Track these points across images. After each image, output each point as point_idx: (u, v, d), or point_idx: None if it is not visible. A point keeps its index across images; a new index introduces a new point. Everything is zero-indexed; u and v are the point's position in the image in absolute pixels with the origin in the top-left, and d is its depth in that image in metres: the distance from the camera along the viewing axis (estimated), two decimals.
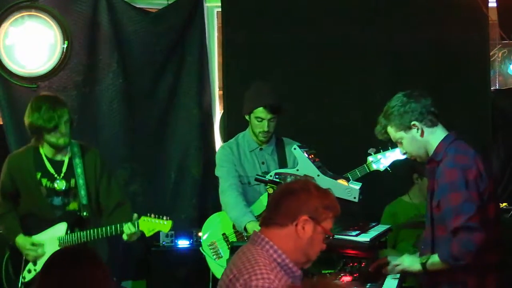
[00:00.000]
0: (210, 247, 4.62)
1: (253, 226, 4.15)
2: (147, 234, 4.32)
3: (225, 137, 5.88)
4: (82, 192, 4.40)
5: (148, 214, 4.30)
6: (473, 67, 5.77)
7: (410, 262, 3.48)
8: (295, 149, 3.61)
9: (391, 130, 3.49)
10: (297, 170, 3.46)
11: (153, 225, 4.28)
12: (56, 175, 4.42)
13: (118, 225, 4.28)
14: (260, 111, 4.50)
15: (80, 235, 4.33)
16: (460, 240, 3.26)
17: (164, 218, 4.30)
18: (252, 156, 4.63)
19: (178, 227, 5.60)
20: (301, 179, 2.89)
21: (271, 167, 4.52)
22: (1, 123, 5.87)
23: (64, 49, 5.84)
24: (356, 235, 3.42)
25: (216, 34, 6.29)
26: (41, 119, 4.25)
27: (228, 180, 4.53)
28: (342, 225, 3.55)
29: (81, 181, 4.40)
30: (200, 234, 5.51)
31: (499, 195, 6.15)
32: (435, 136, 3.45)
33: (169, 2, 6.11)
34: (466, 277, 3.37)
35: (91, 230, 4.32)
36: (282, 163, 4.54)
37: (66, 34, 5.83)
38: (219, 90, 6.29)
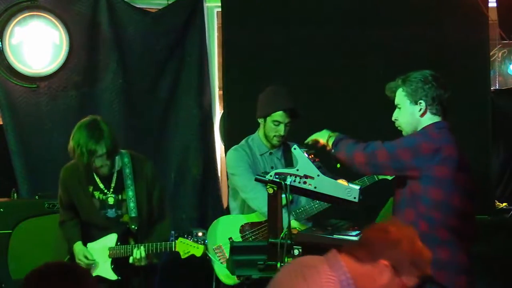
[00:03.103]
0: (216, 251, 4.61)
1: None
2: (182, 256, 4.31)
3: (225, 137, 5.88)
4: (131, 205, 4.40)
5: (185, 236, 4.35)
6: (473, 67, 5.77)
7: (320, 134, 3.71)
8: (295, 149, 3.60)
9: (400, 93, 3.57)
10: (297, 170, 3.45)
11: (188, 247, 4.29)
12: (106, 190, 4.45)
13: (168, 244, 4.33)
14: (279, 115, 4.48)
15: (128, 248, 4.37)
16: (370, 145, 3.48)
17: (199, 242, 4.32)
18: (263, 160, 4.63)
19: (178, 227, 5.60)
20: (407, 227, 2.65)
21: None
22: (1, 123, 5.87)
23: (70, 50, 5.83)
24: (356, 235, 3.42)
25: (216, 34, 6.29)
26: (77, 154, 4.24)
27: (251, 176, 4.46)
28: (343, 225, 3.55)
29: (130, 193, 4.41)
30: (200, 234, 5.51)
31: (499, 195, 6.16)
32: (430, 121, 3.52)
33: (169, 2, 6.11)
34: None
35: (138, 245, 4.35)
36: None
37: (70, 35, 5.83)
38: (219, 90, 6.28)
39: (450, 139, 3.46)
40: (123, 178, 4.43)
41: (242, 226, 4.58)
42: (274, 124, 4.50)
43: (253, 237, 4.53)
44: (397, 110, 3.60)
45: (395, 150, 3.44)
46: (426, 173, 3.38)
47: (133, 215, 4.40)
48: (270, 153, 4.64)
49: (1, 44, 5.65)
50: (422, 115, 3.52)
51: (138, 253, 4.30)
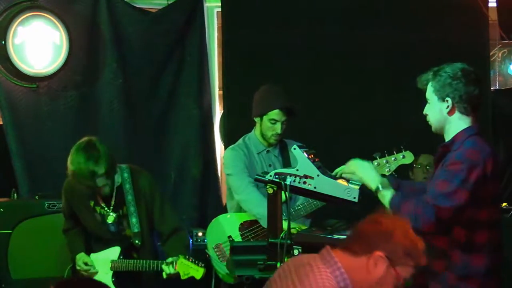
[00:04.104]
0: (215, 249, 4.61)
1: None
2: (182, 278, 4.31)
3: (225, 137, 5.88)
4: (134, 220, 4.43)
5: (187, 257, 4.32)
6: (473, 67, 5.75)
7: (368, 176, 3.43)
8: (294, 149, 3.60)
9: (429, 88, 3.43)
10: (297, 170, 3.45)
11: (188, 268, 4.28)
12: (106, 208, 4.49)
13: (166, 262, 4.33)
14: (276, 113, 4.50)
15: (128, 263, 4.40)
16: (419, 206, 3.20)
17: (199, 264, 4.31)
18: (260, 159, 4.64)
19: None
20: (399, 218, 2.66)
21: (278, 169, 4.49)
22: (1, 123, 5.87)
23: (70, 50, 5.82)
24: None
25: (216, 34, 6.29)
26: (79, 177, 4.27)
27: (245, 178, 4.50)
28: (342, 225, 3.55)
29: (132, 208, 4.43)
30: (200, 234, 5.51)
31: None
32: (459, 122, 3.37)
33: (169, 2, 6.10)
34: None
35: (139, 261, 4.38)
36: (287, 165, 4.53)
37: (70, 35, 5.82)
38: (219, 90, 6.28)
39: (486, 150, 3.30)
40: (124, 193, 4.45)
41: (241, 224, 4.59)
42: (271, 122, 4.51)
43: (253, 235, 4.54)
44: (427, 105, 3.45)
45: (454, 188, 3.20)
46: (475, 195, 3.24)
47: (135, 230, 4.43)
48: (267, 151, 4.65)
49: (5, 43, 5.63)
50: (450, 113, 3.36)
51: (167, 269, 4.30)
